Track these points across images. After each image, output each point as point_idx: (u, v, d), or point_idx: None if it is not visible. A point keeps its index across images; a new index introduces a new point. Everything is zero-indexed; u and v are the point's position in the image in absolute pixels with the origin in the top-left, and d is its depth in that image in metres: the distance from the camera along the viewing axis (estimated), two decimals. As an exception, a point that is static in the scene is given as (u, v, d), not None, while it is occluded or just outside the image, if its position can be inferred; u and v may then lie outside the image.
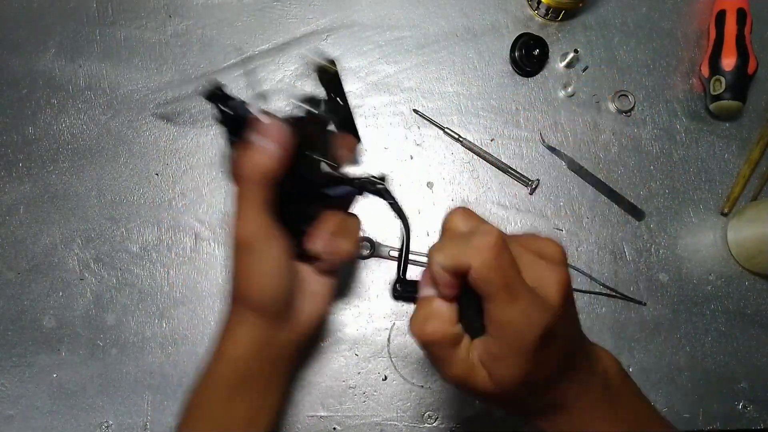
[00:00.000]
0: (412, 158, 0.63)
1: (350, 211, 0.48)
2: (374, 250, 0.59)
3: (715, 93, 0.62)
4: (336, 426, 0.57)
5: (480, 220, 0.36)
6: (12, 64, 0.63)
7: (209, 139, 0.62)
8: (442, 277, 0.34)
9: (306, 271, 0.46)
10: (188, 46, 0.64)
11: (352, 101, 0.63)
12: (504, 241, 0.32)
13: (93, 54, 0.63)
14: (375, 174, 0.44)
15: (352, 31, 0.65)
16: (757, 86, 0.65)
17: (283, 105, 0.44)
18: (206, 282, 0.59)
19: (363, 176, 0.45)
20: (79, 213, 0.60)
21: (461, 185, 0.62)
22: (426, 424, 0.57)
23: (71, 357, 0.57)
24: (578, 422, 0.38)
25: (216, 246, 0.60)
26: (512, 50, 0.64)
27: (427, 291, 0.36)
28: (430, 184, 0.62)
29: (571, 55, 0.64)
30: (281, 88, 0.63)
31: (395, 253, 0.59)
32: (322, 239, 0.44)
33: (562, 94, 0.65)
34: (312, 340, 0.51)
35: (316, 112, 0.43)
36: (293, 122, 0.40)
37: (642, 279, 0.61)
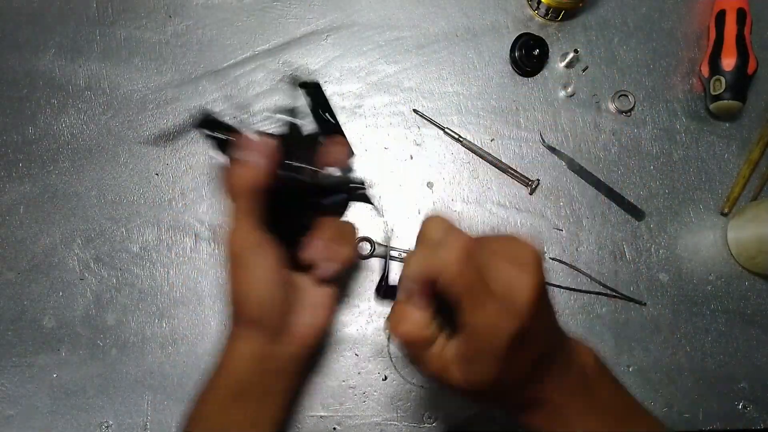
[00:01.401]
0: (412, 158, 0.63)
1: (344, 218, 0.49)
2: (374, 249, 0.59)
3: (715, 93, 0.62)
4: (336, 426, 0.57)
5: (451, 229, 0.37)
6: (12, 64, 0.63)
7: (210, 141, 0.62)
8: (414, 286, 0.36)
9: (304, 281, 0.46)
10: (188, 46, 0.64)
11: (353, 101, 0.63)
12: (470, 251, 0.34)
13: (93, 54, 0.63)
14: (355, 179, 0.46)
15: (352, 31, 0.65)
16: (757, 86, 0.65)
17: (268, 118, 0.46)
18: (206, 282, 0.59)
19: (345, 180, 0.46)
20: (79, 213, 0.60)
21: (461, 185, 0.62)
22: (426, 424, 0.58)
23: (71, 357, 0.57)
24: (558, 417, 0.39)
25: (216, 246, 0.60)
26: (512, 50, 0.64)
27: (401, 295, 0.37)
28: (430, 184, 0.62)
29: (571, 55, 0.64)
30: (267, 100, 0.63)
31: (395, 253, 0.59)
32: (317, 247, 0.44)
33: (562, 94, 0.65)
34: (318, 350, 0.50)
35: (299, 123, 0.44)
36: (279, 136, 0.42)
37: (642, 279, 0.61)
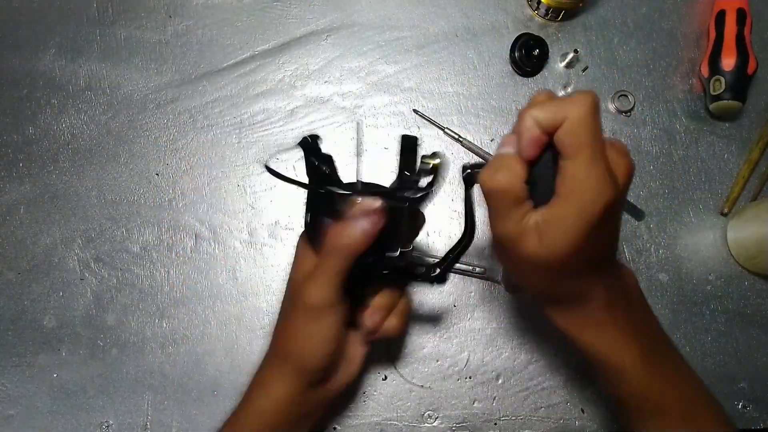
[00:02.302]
0: (412, 158, 0.63)
1: (404, 288, 0.49)
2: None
3: (715, 93, 0.62)
4: (336, 426, 0.57)
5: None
6: (12, 64, 0.63)
7: (209, 139, 0.62)
8: (532, 131, 0.35)
9: (350, 335, 0.47)
10: (188, 46, 0.64)
11: (353, 101, 0.63)
12: (595, 111, 0.35)
13: (93, 54, 0.63)
14: (427, 262, 0.47)
15: (352, 31, 0.65)
16: (757, 86, 0.65)
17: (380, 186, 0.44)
18: (206, 282, 0.59)
19: (420, 262, 0.47)
20: (79, 213, 0.60)
21: (461, 185, 0.62)
22: (426, 424, 0.58)
23: (71, 357, 0.57)
24: (592, 319, 0.40)
25: (216, 246, 0.60)
26: (512, 50, 0.64)
27: (505, 148, 0.37)
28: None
29: (571, 55, 0.64)
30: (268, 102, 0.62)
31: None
32: (376, 316, 0.45)
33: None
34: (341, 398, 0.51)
35: (414, 197, 0.42)
36: (386, 203, 0.41)
37: (642, 279, 0.61)
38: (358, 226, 0.40)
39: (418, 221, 0.47)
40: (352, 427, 0.57)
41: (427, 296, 0.60)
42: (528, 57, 0.63)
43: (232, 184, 0.61)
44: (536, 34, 0.64)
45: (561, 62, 0.65)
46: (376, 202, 0.40)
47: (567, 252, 0.36)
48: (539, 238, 0.36)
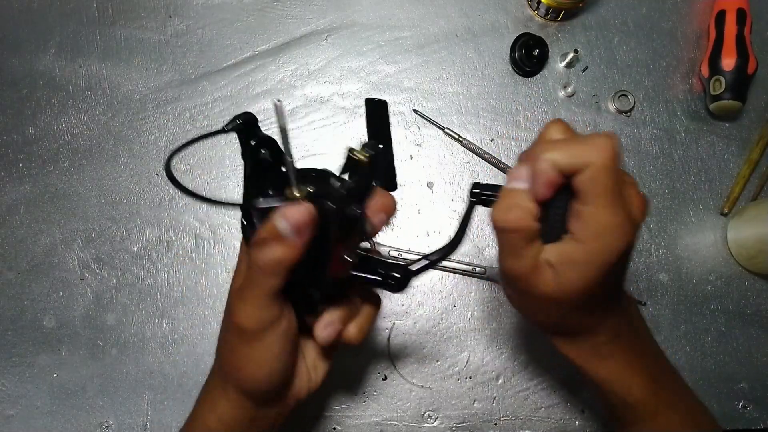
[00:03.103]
0: (412, 158, 0.63)
1: (371, 291, 0.44)
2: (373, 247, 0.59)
3: (715, 93, 0.62)
4: (336, 426, 0.57)
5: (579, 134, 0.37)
6: (12, 64, 0.63)
7: (209, 139, 0.62)
8: (549, 174, 0.34)
9: (306, 344, 0.43)
10: (188, 46, 0.64)
11: (353, 101, 0.63)
12: (619, 149, 0.34)
13: (93, 54, 0.63)
14: (396, 270, 0.39)
15: (352, 31, 0.65)
16: (757, 86, 0.65)
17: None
18: (206, 282, 0.59)
19: (384, 264, 0.40)
20: (79, 213, 0.60)
21: (461, 185, 0.62)
22: (426, 424, 0.58)
23: (71, 357, 0.57)
24: (599, 350, 0.40)
25: (216, 246, 0.60)
26: (512, 50, 0.64)
27: (517, 184, 0.36)
28: (430, 184, 0.62)
29: (571, 55, 0.64)
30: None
31: (395, 253, 0.59)
32: (329, 330, 0.39)
33: (562, 94, 0.65)
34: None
35: (344, 192, 0.35)
36: (321, 203, 0.34)
37: (642, 279, 0.61)
38: (283, 238, 0.33)
39: (364, 224, 0.38)
40: (352, 427, 0.57)
41: (427, 296, 0.60)
42: (528, 57, 0.63)
43: (232, 184, 0.61)
44: (536, 34, 0.64)
45: (561, 62, 0.65)
46: (301, 209, 0.33)
47: (582, 292, 0.35)
48: (554, 278, 0.35)
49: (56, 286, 0.59)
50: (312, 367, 0.43)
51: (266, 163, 0.36)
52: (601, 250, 0.34)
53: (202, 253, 0.60)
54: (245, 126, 0.35)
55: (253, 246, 0.35)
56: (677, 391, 0.44)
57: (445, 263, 0.59)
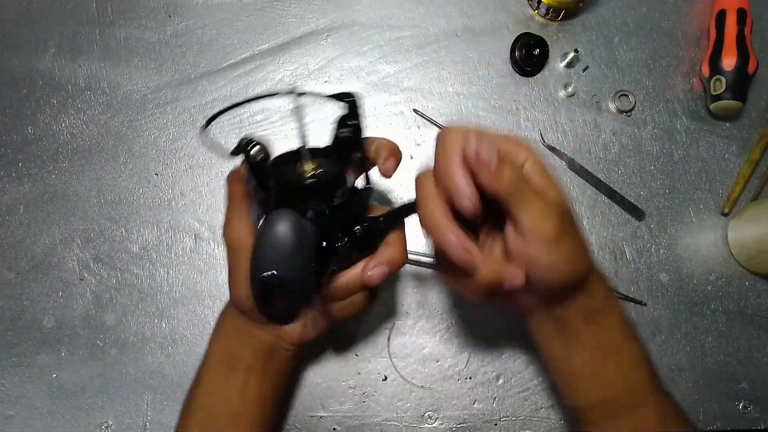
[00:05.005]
0: (412, 158, 0.62)
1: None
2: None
3: (716, 93, 0.62)
4: (336, 426, 0.57)
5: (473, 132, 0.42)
6: (12, 64, 0.63)
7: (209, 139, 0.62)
8: (490, 159, 0.39)
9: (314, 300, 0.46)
10: (188, 46, 0.64)
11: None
12: (504, 154, 0.41)
13: (93, 54, 0.63)
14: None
15: (352, 31, 0.65)
16: (757, 86, 0.65)
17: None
18: (206, 282, 0.59)
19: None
20: (79, 213, 0.60)
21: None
22: (426, 424, 0.57)
23: (71, 357, 0.57)
24: (563, 327, 0.43)
25: (216, 246, 0.60)
26: (512, 50, 0.64)
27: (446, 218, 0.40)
28: (430, 184, 0.62)
29: (571, 55, 0.64)
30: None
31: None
32: (377, 269, 0.43)
33: (562, 94, 0.65)
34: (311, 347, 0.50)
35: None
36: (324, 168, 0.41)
37: (642, 279, 0.61)
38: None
39: (385, 147, 0.47)
40: (352, 428, 0.57)
41: (427, 296, 0.60)
42: (528, 57, 0.63)
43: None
44: (536, 33, 0.64)
45: (561, 62, 0.65)
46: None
47: (551, 242, 0.39)
48: (523, 254, 0.39)
49: (56, 286, 0.59)
50: (311, 319, 0.46)
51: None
52: (536, 235, 0.39)
53: (202, 253, 0.60)
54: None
55: (228, 180, 0.44)
56: (626, 373, 0.44)
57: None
